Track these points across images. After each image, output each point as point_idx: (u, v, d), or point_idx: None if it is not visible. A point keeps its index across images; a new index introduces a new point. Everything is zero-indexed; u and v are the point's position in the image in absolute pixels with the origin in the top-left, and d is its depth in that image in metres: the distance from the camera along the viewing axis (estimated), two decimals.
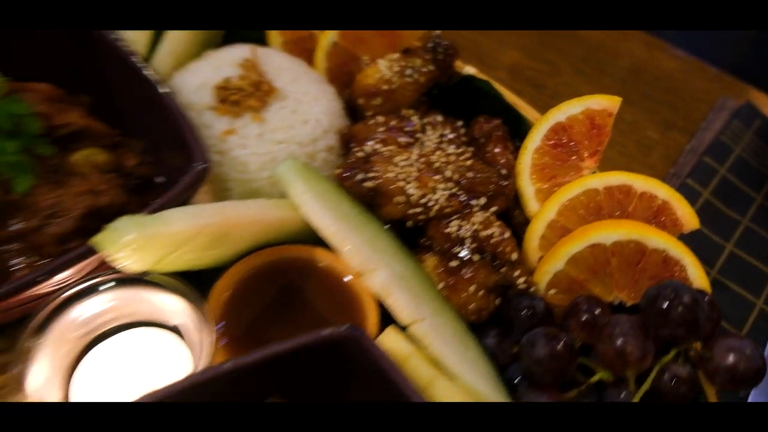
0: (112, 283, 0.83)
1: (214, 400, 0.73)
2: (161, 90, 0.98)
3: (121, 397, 0.68)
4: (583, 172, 1.00)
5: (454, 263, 0.94)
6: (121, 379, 0.82)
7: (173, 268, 0.84)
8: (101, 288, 0.83)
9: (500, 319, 0.94)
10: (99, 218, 0.86)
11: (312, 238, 0.95)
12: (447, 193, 0.98)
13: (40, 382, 0.77)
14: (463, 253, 0.94)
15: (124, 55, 0.99)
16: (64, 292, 0.81)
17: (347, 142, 1.10)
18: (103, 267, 0.84)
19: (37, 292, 0.82)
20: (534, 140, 1.02)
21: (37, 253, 0.86)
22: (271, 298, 0.95)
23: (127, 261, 0.79)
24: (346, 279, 0.94)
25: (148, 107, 0.98)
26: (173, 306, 0.84)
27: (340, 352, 0.75)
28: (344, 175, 0.99)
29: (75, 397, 0.80)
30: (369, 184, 0.98)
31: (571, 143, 1.01)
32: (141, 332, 0.86)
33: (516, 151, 1.07)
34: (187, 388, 0.71)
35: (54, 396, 0.78)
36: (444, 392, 0.79)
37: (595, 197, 0.96)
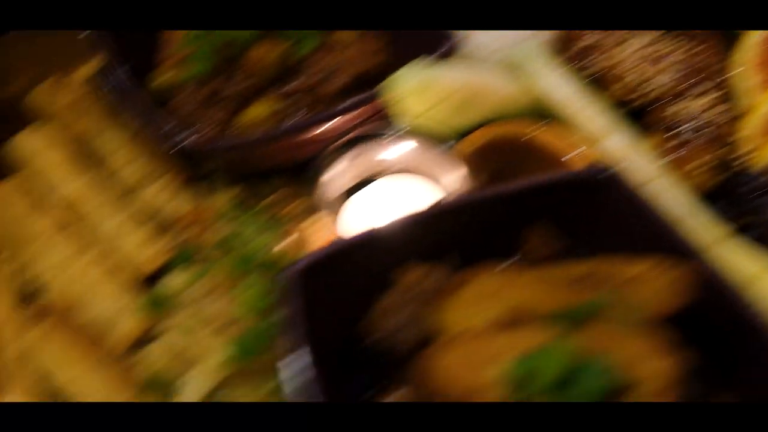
0: (386, 132, 0.96)
1: (463, 232, 0.83)
2: None
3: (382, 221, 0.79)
4: None
5: (676, 141, 1.02)
6: (383, 209, 0.96)
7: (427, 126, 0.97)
8: (375, 136, 0.96)
9: (720, 196, 1.01)
10: (369, 80, 1.00)
11: (540, 115, 1.05)
12: (669, 78, 1.05)
13: (328, 201, 0.92)
14: (686, 133, 1.01)
15: None
16: (343, 137, 0.96)
17: (563, 37, 1.18)
18: (375, 118, 0.97)
19: (319, 137, 0.97)
20: (757, 33, 1.07)
21: (317, 105, 1.00)
22: (498, 169, 1.06)
23: (403, 108, 0.92)
24: (565, 158, 1.03)
25: None
26: (435, 158, 0.97)
27: (589, 192, 0.84)
28: (572, 59, 1.08)
29: (346, 218, 0.94)
30: (592, 69, 1.07)
31: None
32: (405, 180, 0.99)
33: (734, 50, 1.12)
34: (446, 210, 0.83)
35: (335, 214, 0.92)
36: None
37: None
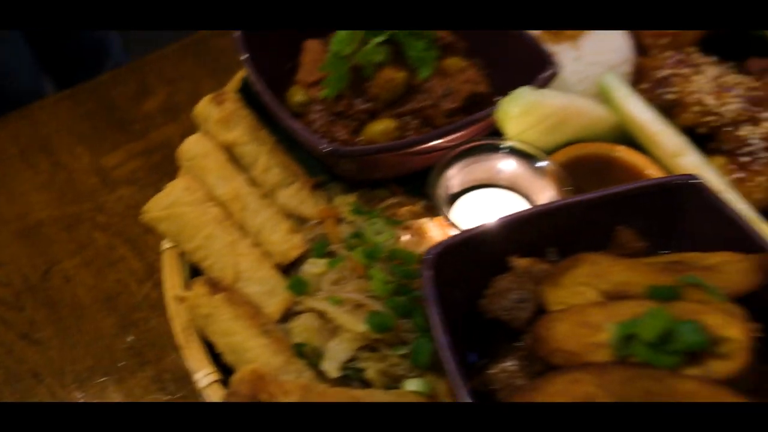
0: (490, 147, 1.13)
1: (561, 230, 0.98)
2: None
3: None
4: None
5: (743, 159, 1.16)
6: (487, 213, 1.12)
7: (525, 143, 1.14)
8: (482, 150, 1.14)
9: None
10: (474, 102, 1.17)
11: (615, 139, 1.20)
12: (739, 104, 1.20)
13: (442, 206, 1.09)
14: (753, 151, 1.16)
15: None
16: (455, 150, 1.13)
17: (637, 71, 1.35)
18: (478, 135, 1.15)
19: (434, 149, 1.14)
20: None
21: (429, 124, 1.18)
22: (582, 183, 1.21)
23: (511, 124, 1.09)
24: (646, 172, 1.18)
25: (498, 32, 1.28)
26: (531, 171, 1.13)
27: (677, 200, 0.98)
28: (649, 89, 1.24)
29: (456, 219, 1.10)
30: (671, 96, 1.22)
31: None
32: (505, 189, 1.16)
33: None
34: (543, 212, 0.98)
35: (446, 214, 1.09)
36: None
37: None
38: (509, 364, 0.90)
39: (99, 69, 1.88)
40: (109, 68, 1.96)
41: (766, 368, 0.84)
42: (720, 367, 0.72)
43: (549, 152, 1.18)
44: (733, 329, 0.73)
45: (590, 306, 0.83)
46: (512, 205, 1.14)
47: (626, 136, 1.23)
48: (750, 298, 0.80)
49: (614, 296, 0.84)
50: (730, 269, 0.82)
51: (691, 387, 0.71)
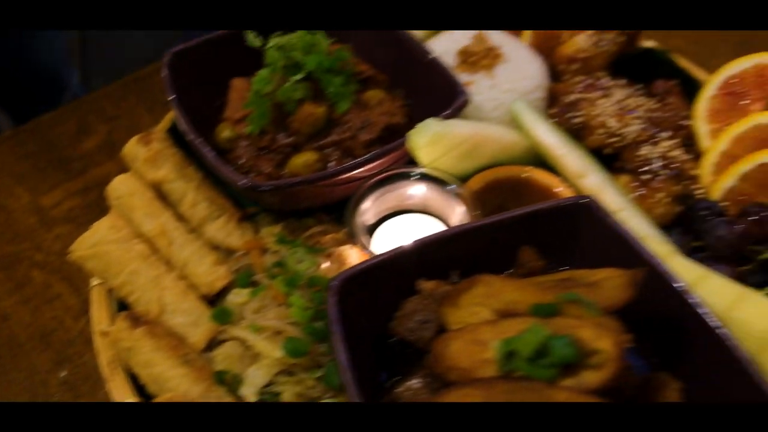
0: (405, 176, 1.19)
1: (468, 252, 1.04)
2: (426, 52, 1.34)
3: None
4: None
5: (645, 177, 1.23)
6: (403, 238, 1.17)
7: (439, 170, 1.19)
8: (397, 179, 1.19)
9: (679, 224, 1.22)
10: (392, 132, 1.23)
11: (530, 161, 1.27)
12: (639, 126, 1.27)
13: (358, 232, 1.14)
14: (653, 168, 1.23)
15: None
16: (371, 180, 1.18)
17: (550, 96, 1.42)
18: (396, 163, 1.20)
19: (352, 179, 1.19)
20: (709, 89, 1.30)
21: (350, 155, 1.24)
22: (498, 204, 1.28)
23: (420, 156, 1.15)
24: (556, 190, 1.25)
25: (415, 63, 1.35)
26: (444, 196, 1.19)
27: (572, 220, 1.05)
28: (558, 113, 1.31)
29: (373, 245, 1.15)
30: (578, 119, 1.29)
31: (742, 92, 1.28)
32: (420, 214, 1.21)
33: (691, 104, 1.34)
34: (450, 236, 1.04)
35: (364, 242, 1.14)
36: None
37: (762, 131, 1.22)
38: (414, 382, 0.95)
39: (57, 103, 1.88)
40: (67, 102, 1.95)
41: (651, 375, 0.91)
42: (592, 378, 0.78)
43: (466, 177, 1.24)
44: (603, 341, 0.79)
45: (482, 324, 0.88)
46: (428, 229, 1.20)
47: (540, 158, 1.30)
48: (628, 309, 0.86)
49: (505, 314, 0.90)
50: (609, 285, 0.88)
51: (564, 397, 0.76)
